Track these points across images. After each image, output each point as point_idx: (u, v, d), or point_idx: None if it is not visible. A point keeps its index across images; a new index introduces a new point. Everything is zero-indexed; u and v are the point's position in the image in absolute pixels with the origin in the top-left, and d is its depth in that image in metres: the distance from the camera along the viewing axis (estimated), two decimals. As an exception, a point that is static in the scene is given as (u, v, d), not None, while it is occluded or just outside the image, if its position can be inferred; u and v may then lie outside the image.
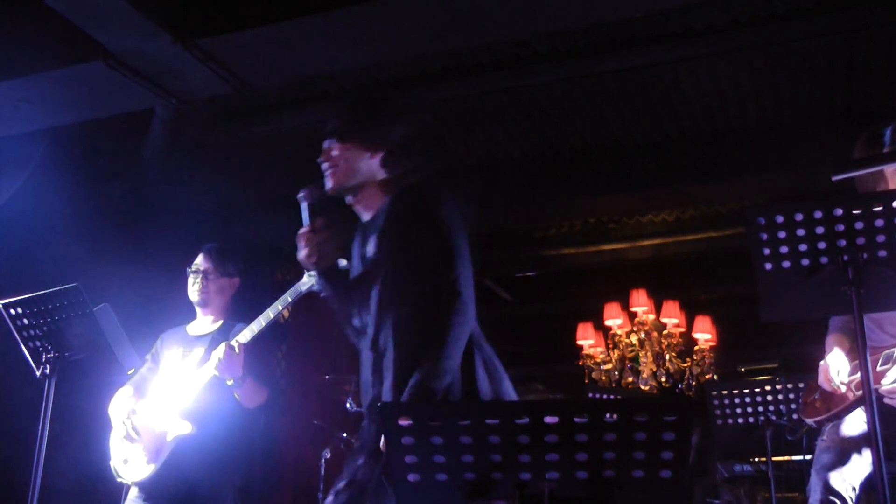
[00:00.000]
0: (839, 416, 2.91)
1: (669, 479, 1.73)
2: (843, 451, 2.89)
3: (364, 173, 2.56)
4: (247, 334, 3.45)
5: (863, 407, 2.82)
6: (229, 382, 3.38)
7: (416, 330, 2.36)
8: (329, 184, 2.58)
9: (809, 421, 3.03)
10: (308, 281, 3.33)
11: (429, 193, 2.51)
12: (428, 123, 2.67)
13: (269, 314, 3.43)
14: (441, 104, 5.46)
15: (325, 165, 2.57)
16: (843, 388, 2.87)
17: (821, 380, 2.94)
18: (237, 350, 3.38)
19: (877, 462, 2.12)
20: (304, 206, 2.61)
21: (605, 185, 6.14)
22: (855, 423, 2.91)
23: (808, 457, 3.25)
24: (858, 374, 2.79)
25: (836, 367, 2.90)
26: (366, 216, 2.62)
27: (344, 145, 2.56)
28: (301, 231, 2.61)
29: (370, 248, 2.55)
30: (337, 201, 2.64)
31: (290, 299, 3.38)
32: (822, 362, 2.97)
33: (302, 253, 2.60)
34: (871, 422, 2.15)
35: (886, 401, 2.75)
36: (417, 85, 5.17)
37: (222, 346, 3.39)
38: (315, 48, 4.40)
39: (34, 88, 4.74)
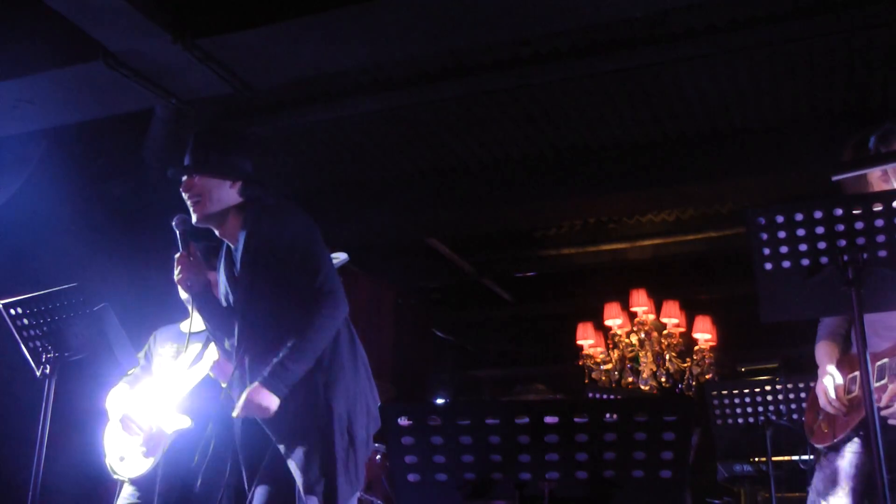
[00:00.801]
0: (848, 440, 2.80)
1: (669, 479, 1.73)
2: (836, 481, 2.82)
3: (225, 202, 2.80)
4: None
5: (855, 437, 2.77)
6: (224, 385, 3.38)
7: (279, 325, 2.64)
8: (195, 215, 2.80)
9: (820, 446, 2.91)
10: None
11: (281, 210, 2.78)
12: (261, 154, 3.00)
13: None
14: (441, 104, 5.47)
15: (187, 196, 2.79)
16: (845, 410, 2.77)
17: (822, 403, 2.85)
18: None
19: (877, 466, 2.11)
20: (178, 232, 2.84)
21: (605, 185, 6.14)
22: (850, 456, 2.81)
23: (805, 457, 3.23)
24: (856, 391, 2.75)
25: (834, 387, 2.83)
26: (232, 243, 2.85)
27: (204, 178, 2.78)
28: (176, 255, 2.85)
29: (237, 271, 2.79)
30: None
31: None
32: (820, 383, 2.88)
33: (177, 276, 2.85)
34: (871, 426, 2.13)
35: (892, 422, 2.67)
36: (417, 85, 5.17)
37: (214, 350, 3.38)
38: (315, 48, 4.40)
39: (34, 88, 4.74)
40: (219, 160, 2.80)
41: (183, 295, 3.73)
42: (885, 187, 2.75)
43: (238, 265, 2.78)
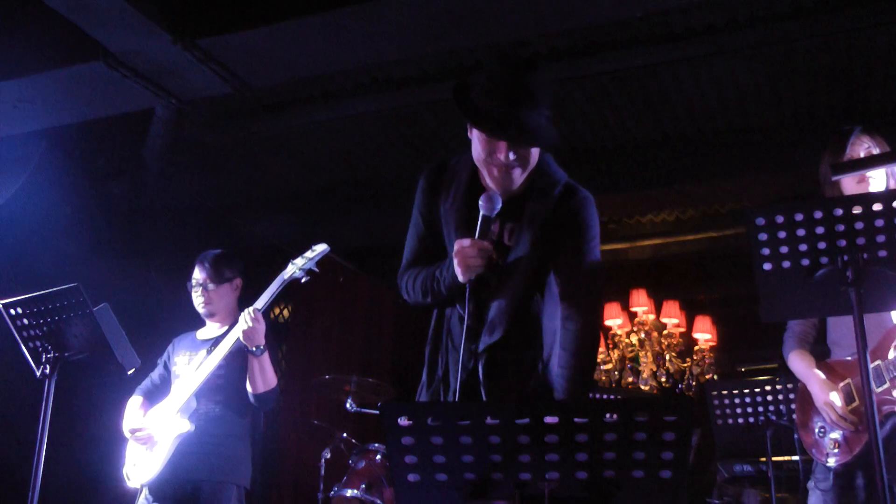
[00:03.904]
0: (864, 455, 2.73)
1: (669, 479, 1.73)
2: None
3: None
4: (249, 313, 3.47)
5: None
6: (253, 349, 3.41)
7: (591, 341, 2.55)
8: (516, 184, 2.48)
9: (834, 465, 2.81)
10: (291, 269, 3.45)
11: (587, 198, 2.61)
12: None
13: (258, 305, 3.48)
14: (441, 104, 5.47)
15: (513, 160, 2.43)
16: (854, 422, 2.72)
17: (832, 419, 2.78)
18: (253, 315, 3.40)
19: (877, 464, 2.11)
20: (483, 215, 2.42)
21: (605, 185, 6.14)
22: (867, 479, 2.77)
23: (806, 456, 3.21)
24: (857, 402, 2.74)
25: (835, 401, 2.78)
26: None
27: (531, 150, 2.45)
28: (478, 240, 2.39)
29: (508, 234, 2.52)
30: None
31: (274, 289, 3.47)
32: (822, 396, 2.81)
33: (474, 261, 2.38)
34: (871, 428, 2.13)
35: None
36: (417, 85, 5.17)
37: (245, 315, 3.41)
38: (315, 48, 4.40)
39: (34, 88, 4.73)
40: (552, 127, 2.45)
41: (200, 310, 3.76)
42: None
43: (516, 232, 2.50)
